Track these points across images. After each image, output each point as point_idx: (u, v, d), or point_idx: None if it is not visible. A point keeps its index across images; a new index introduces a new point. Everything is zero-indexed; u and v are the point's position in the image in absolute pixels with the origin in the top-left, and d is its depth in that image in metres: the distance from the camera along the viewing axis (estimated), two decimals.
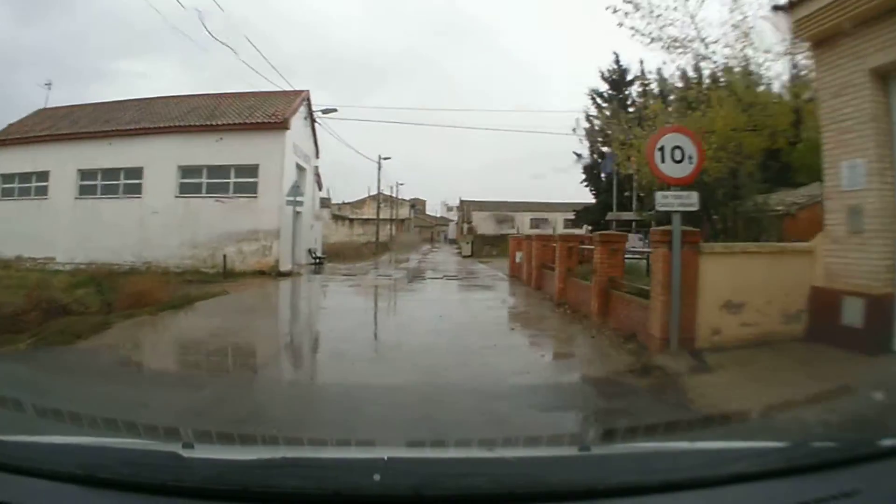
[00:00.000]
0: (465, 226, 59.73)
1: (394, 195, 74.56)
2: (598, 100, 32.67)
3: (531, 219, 67.57)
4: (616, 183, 24.78)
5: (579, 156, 32.64)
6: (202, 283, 20.28)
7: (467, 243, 46.69)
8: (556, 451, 2.41)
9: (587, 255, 15.71)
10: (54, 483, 1.67)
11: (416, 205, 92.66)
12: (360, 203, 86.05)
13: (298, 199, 24.07)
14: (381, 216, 73.44)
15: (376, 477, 1.61)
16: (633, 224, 23.44)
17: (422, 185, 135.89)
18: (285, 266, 23.81)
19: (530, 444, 2.92)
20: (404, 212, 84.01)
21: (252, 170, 25.30)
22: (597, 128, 32.97)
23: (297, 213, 27.86)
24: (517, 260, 21.14)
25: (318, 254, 30.87)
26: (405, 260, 41.13)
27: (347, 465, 1.88)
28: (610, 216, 23.09)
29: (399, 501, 1.62)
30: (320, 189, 32.83)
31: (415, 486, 1.61)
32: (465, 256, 44.93)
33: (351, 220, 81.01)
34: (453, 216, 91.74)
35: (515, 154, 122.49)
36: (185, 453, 1.84)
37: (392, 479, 1.63)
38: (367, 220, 75.52)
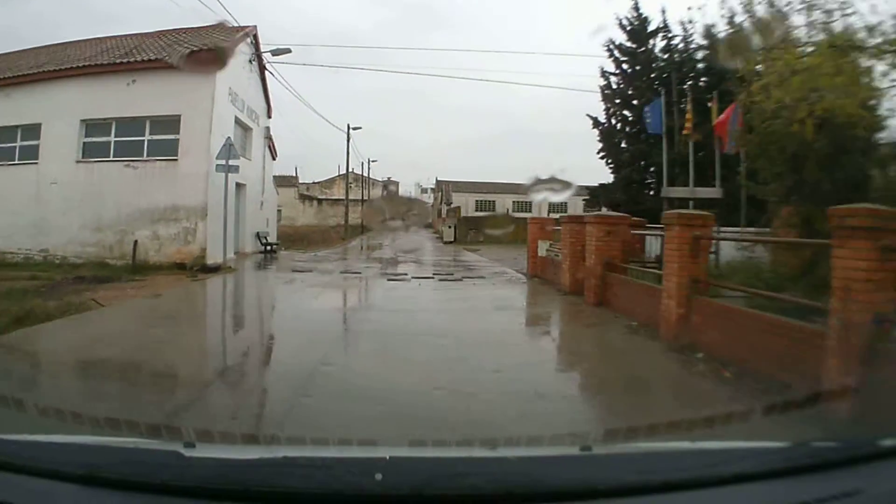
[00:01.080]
0: (445, 207, 52.63)
1: (365, 174, 67.30)
2: (617, 53, 25.78)
3: (513, 201, 61.25)
4: (666, 149, 17.96)
5: (596, 120, 25.78)
6: (96, 282, 13.65)
7: (449, 227, 39.55)
8: (557, 451, 2.26)
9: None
10: (55, 482, 1.59)
11: (390, 185, 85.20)
12: (329, 182, 78.97)
13: (233, 163, 16.86)
14: (353, 197, 66.46)
15: (378, 476, 1.53)
16: (691, 204, 16.73)
17: (395, 167, 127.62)
18: (215, 257, 16.66)
19: (532, 443, 2.85)
20: (377, 193, 76.90)
21: (172, 123, 18.00)
22: (615, 86, 26.19)
23: (238, 187, 20.65)
24: (542, 253, 14.32)
25: (270, 239, 23.69)
26: (379, 246, 34.05)
27: (349, 464, 1.76)
28: (666, 193, 16.23)
29: (401, 501, 1.54)
30: (274, 157, 25.56)
31: (417, 485, 1.54)
32: (447, 243, 37.95)
33: (319, 201, 73.62)
34: (428, 198, 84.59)
35: (494, 132, 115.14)
36: (187, 452, 1.74)
37: (394, 478, 1.54)
38: (336, 201, 69.00)
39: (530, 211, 60.18)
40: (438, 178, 67.52)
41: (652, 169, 25.19)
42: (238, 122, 20.48)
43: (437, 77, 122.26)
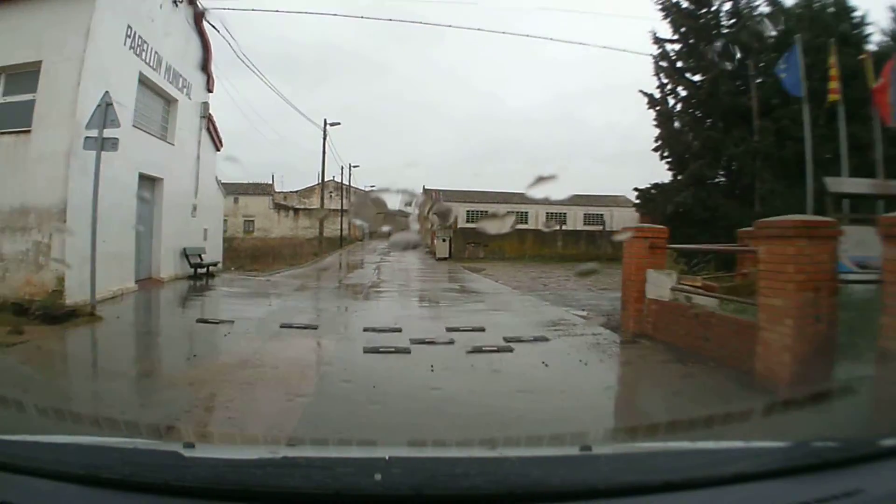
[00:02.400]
0: (436, 218, 45.65)
1: (346, 182, 60.54)
2: (675, 14, 19.19)
3: (508, 212, 54.51)
4: (809, 123, 11.26)
5: (652, 98, 19.06)
6: None
7: (443, 241, 32.64)
8: (557, 451, 2.18)
9: None
10: (56, 483, 1.54)
11: (372, 195, 78.50)
12: (308, 191, 71.97)
13: (110, 133, 9.88)
14: (334, 207, 59.62)
15: (377, 477, 1.49)
16: (846, 203, 10.15)
17: (377, 176, 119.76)
18: (78, 293, 9.74)
19: (532, 443, 2.71)
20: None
21: (30, 77, 11.07)
22: (672, 54, 19.57)
23: (147, 182, 13.74)
24: (659, 293, 7.49)
25: (207, 258, 16.67)
26: (359, 264, 27.06)
27: (348, 464, 1.71)
28: (834, 186, 9.51)
29: (400, 501, 1.50)
30: (217, 147, 18.50)
31: (416, 485, 1.50)
32: (440, 259, 31.19)
33: (296, 211, 66.47)
34: (412, 209, 77.10)
35: (480, 142, 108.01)
36: (187, 453, 1.70)
37: (393, 478, 1.51)
38: (315, 211, 62.32)
39: (527, 222, 53.66)
40: (426, 186, 60.25)
41: (721, 163, 18.66)
42: (147, 83, 13.47)
43: (417, 74, 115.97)
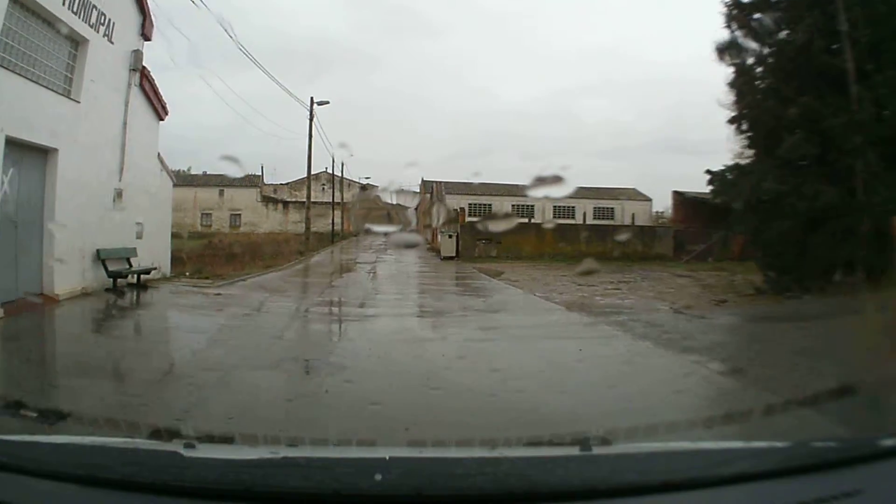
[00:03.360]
0: (439, 212, 41.09)
1: (341, 174, 56.03)
2: None
3: (512, 205, 50.71)
4: None
5: (725, 47, 14.55)
6: None
7: (449, 237, 28.05)
8: (557, 452, 2.12)
9: None
10: (56, 483, 1.51)
11: (368, 188, 73.90)
12: (300, 183, 67.22)
13: None
14: (327, 200, 55.12)
15: (377, 477, 1.46)
16: None
17: (373, 169, 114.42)
18: None
19: (532, 444, 2.59)
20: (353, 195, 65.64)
21: None
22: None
23: (29, 153, 9.29)
24: None
25: (140, 262, 12.19)
26: (350, 266, 22.58)
27: (349, 464, 1.68)
28: None
29: (401, 501, 1.48)
30: (160, 116, 13.91)
31: (416, 485, 1.47)
32: (445, 258, 26.75)
33: (285, 204, 61.95)
34: (411, 203, 72.41)
35: (476, 138, 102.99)
36: (187, 453, 1.65)
37: (393, 478, 1.48)
38: (311, 204, 57.69)
39: (533, 216, 49.20)
40: (424, 179, 55.46)
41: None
42: (31, 6, 9.02)
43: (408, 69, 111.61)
